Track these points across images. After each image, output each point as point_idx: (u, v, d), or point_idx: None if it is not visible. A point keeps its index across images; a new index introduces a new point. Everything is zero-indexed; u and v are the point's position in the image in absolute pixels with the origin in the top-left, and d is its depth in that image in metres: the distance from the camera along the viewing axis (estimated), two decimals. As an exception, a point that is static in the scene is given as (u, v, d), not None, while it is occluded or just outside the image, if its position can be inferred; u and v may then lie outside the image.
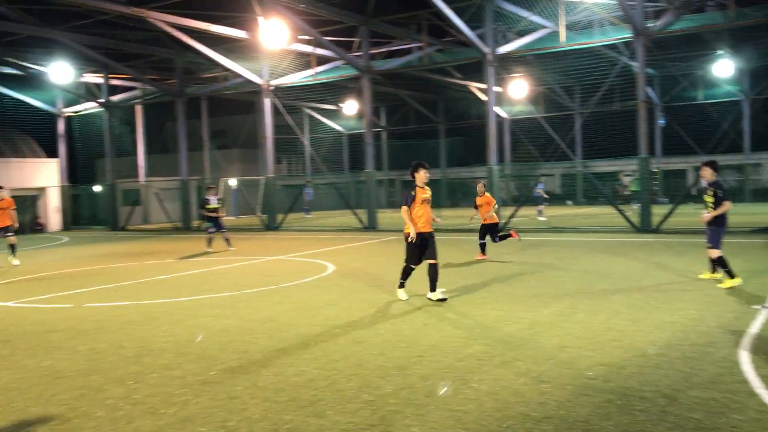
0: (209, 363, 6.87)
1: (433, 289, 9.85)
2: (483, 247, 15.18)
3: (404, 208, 9.78)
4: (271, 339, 7.83)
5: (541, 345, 7.15)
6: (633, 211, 22.53)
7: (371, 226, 24.75)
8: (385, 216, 30.05)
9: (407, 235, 9.78)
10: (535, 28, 23.48)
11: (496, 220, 15.50)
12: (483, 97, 33.36)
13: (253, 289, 11.78)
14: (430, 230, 9.94)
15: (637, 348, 6.89)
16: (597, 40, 22.44)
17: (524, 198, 28.02)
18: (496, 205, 15.57)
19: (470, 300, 9.93)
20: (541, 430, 4.84)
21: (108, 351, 7.55)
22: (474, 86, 35.24)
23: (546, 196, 28.30)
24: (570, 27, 22.49)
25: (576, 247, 17.00)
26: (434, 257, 9.87)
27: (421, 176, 9.94)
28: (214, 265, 15.89)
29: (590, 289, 10.50)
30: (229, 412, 5.38)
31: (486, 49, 22.46)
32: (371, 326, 8.33)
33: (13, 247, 17.77)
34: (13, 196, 31.66)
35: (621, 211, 21.27)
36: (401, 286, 10.21)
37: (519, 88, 32.16)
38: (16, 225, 17.92)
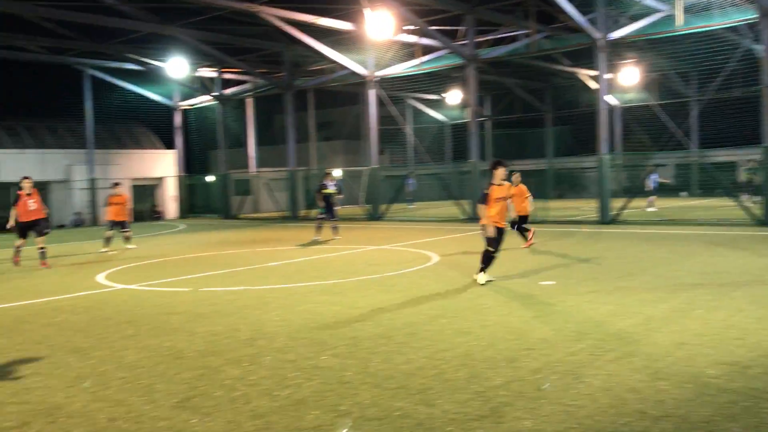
0: (320, 348, 7.03)
1: (481, 269, 10.66)
2: (524, 233, 15.69)
3: (480, 205, 10.60)
4: (379, 327, 7.92)
5: (657, 341, 6.87)
6: (754, 203, 21.22)
7: (475, 217, 24.54)
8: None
9: (483, 226, 10.60)
10: (649, 11, 22.46)
11: (528, 212, 15.84)
12: (593, 84, 32.34)
13: (359, 277, 11.95)
14: (504, 225, 10.73)
15: (764, 347, 6.50)
16: (717, 22, 21.20)
17: (636, 189, 26.96)
18: (530, 196, 15.88)
19: (580, 293, 9.66)
20: (659, 428, 4.65)
21: (224, 333, 7.87)
22: (583, 73, 34.21)
23: (666, 181, 27.07)
24: (687, 10, 21.37)
25: (692, 240, 16.20)
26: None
27: (499, 174, 10.57)
28: (321, 253, 16.25)
29: (708, 284, 9.98)
30: (340, 396, 5.49)
31: (597, 35, 21.72)
32: (478, 317, 8.27)
33: (127, 240, 19.16)
34: (133, 186, 33.64)
35: (741, 203, 20.06)
36: (482, 270, 10.68)
37: (631, 75, 30.95)
38: (131, 220, 19.26)
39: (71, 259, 17.03)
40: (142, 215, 36.27)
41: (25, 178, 15.95)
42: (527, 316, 8.23)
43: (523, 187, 15.65)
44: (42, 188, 32.96)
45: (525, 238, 15.60)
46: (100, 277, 13.20)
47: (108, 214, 19.18)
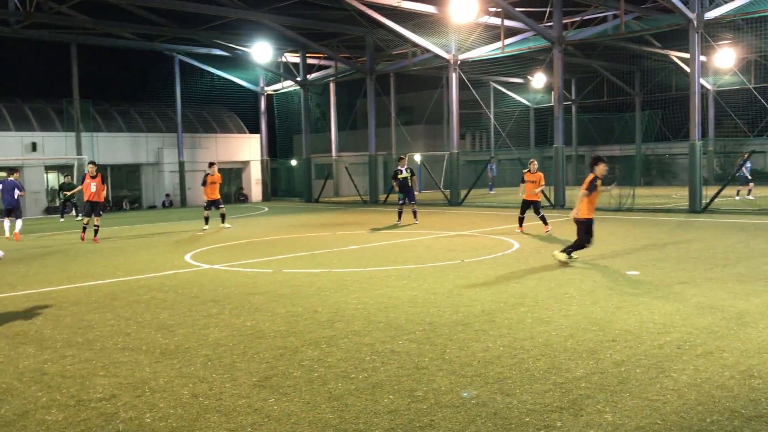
0: (397, 332, 7.03)
1: (567, 251, 11.13)
2: (521, 221, 16.64)
3: (585, 193, 10.87)
4: (457, 313, 7.85)
5: (750, 337, 6.52)
6: None
7: (558, 204, 24.01)
8: (573, 193, 28.99)
9: (581, 220, 10.99)
10: (748, -12, 21.23)
11: (539, 198, 16.61)
12: (685, 67, 30.97)
13: (437, 262, 11.89)
14: (592, 216, 11.11)
15: None
16: (825, -2, 19.84)
17: (729, 176, 25.71)
18: (543, 184, 16.65)
19: (668, 284, 9.29)
20: (752, 429, 4.41)
21: (304, 315, 7.99)
22: (675, 55, 32.80)
23: (749, 176, 25.75)
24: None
25: (792, 231, 15.30)
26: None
27: (601, 169, 10.94)
28: (400, 237, 16.26)
29: (810, 279, 9.40)
30: (416, 381, 5.47)
31: (691, 15, 20.72)
32: (560, 307, 8.07)
33: (223, 217, 20.05)
34: (220, 169, 34.63)
35: None
36: (567, 252, 11.12)
37: (727, 57, 29.43)
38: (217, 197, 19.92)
39: (162, 238, 17.70)
40: (228, 198, 37.32)
41: (91, 162, 18.21)
42: (611, 307, 7.98)
43: (540, 174, 16.39)
44: (134, 170, 34.53)
45: (521, 224, 16.74)
46: (188, 257, 13.65)
47: (204, 193, 19.90)
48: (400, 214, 19.82)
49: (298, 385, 5.48)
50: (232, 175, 37.98)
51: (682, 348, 6.21)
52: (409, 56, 30.66)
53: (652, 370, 5.61)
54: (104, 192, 18.16)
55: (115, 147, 33.02)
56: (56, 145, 31.13)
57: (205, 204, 20.01)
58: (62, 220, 25.90)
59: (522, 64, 33.71)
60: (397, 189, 19.83)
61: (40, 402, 5.24)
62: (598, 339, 6.59)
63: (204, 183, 19.84)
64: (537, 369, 5.72)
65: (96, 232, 17.41)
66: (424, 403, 5.00)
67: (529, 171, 16.39)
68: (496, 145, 42.84)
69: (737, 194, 25.53)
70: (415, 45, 28.00)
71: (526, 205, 16.36)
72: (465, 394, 5.13)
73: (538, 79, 36.66)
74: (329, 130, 39.16)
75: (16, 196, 18.57)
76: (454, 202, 27.64)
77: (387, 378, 5.58)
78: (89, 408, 5.09)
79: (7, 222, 18.98)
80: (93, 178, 17.18)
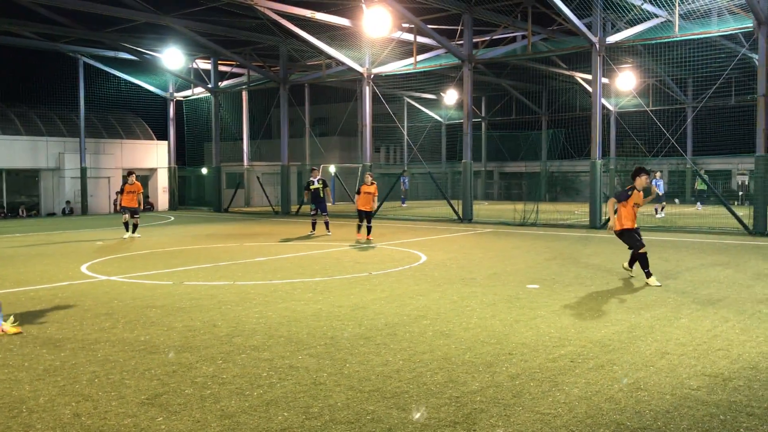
0: (297, 347, 6.91)
1: (646, 271, 10.69)
2: (360, 228, 18.06)
3: (613, 200, 10.91)
4: (360, 327, 7.80)
5: (640, 350, 6.77)
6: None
7: (467, 218, 24.46)
8: (481, 208, 29.66)
9: (619, 232, 10.91)
10: (647, 17, 22.39)
11: (373, 208, 18.20)
12: (589, 88, 32.28)
13: (345, 275, 11.83)
14: (635, 226, 10.93)
15: (747, 359, 6.40)
16: (714, 30, 21.14)
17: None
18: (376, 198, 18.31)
19: (566, 298, 9.56)
20: (635, 441, 4.55)
21: (201, 329, 7.74)
22: (579, 77, 34.15)
23: (660, 193, 26.96)
24: (685, 16, 21.30)
25: (683, 248, 16.13)
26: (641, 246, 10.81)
27: (641, 181, 10.82)
28: (309, 249, 16.12)
29: (696, 293, 9.89)
30: (313, 398, 5.37)
31: (594, 38, 21.63)
32: (460, 320, 8.16)
33: (135, 227, 19.67)
34: (124, 177, 33.52)
35: (734, 212, 20.01)
36: (648, 275, 10.63)
37: (627, 80, 30.89)
38: (141, 207, 19.83)
39: (58, 248, 16.86)
40: (132, 206, 36.01)
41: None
42: (510, 320, 8.12)
43: (374, 185, 18.04)
44: (33, 176, 32.86)
45: (368, 232, 17.92)
46: (84, 268, 13.04)
47: (123, 201, 19.70)
48: (313, 224, 20.00)
49: (189, 402, 5.28)
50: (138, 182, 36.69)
51: (576, 361, 6.37)
52: (324, 68, 30.64)
53: (546, 383, 5.73)
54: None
55: (12, 150, 31.33)
56: (-55, 146, 29.24)
57: (121, 210, 19.78)
58: None
59: (434, 80, 34.28)
60: (307, 200, 20.07)
61: None
62: (495, 352, 6.68)
63: (121, 191, 19.71)
64: (434, 383, 5.73)
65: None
66: (319, 420, 4.90)
67: (365, 183, 17.94)
68: (408, 159, 43.33)
69: (657, 212, 26.53)
70: (329, 57, 27.99)
71: (363, 214, 17.81)
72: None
73: (450, 96, 37.36)
74: (241, 139, 38.56)
75: None
76: (366, 214, 27.67)
77: (283, 394, 5.46)
78: None
79: None
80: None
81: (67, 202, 32.87)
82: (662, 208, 26.89)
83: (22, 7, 25.13)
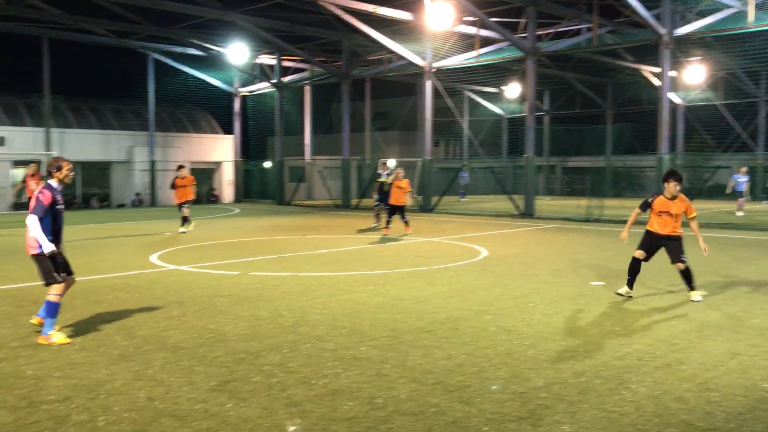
0: (360, 338, 7.00)
1: (692, 288, 9.13)
2: (389, 223, 18.15)
3: (636, 210, 9.45)
4: (421, 320, 7.84)
5: (709, 349, 6.60)
6: None
7: (528, 213, 24.17)
8: (543, 203, 29.29)
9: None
10: (718, 7, 21.64)
11: (406, 203, 18.22)
12: (656, 81, 31.44)
13: (405, 268, 11.89)
14: (665, 233, 9.13)
15: (825, 363, 6.17)
16: (792, 20, 20.25)
17: (696, 191, 26.08)
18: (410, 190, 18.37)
19: (635, 294, 9.37)
20: (705, 442, 4.46)
21: (267, 319, 7.92)
22: (647, 70, 33.25)
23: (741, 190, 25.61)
24: (759, 6, 20.48)
25: (754, 246, 15.58)
26: (675, 260, 9.09)
27: (670, 188, 8.97)
28: (369, 242, 16.24)
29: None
30: (377, 388, 5.44)
31: (662, 31, 21.04)
32: (523, 316, 8.11)
33: (186, 220, 18.92)
34: (192, 169, 34.22)
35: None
36: (692, 288, 9.09)
37: (696, 73, 29.92)
38: (193, 197, 19.44)
39: (129, 238, 17.45)
40: (199, 198, 36.93)
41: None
42: (573, 317, 8.03)
43: (407, 180, 18.11)
44: (104, 168, 34.06)
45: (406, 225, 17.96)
46: (154, 257, 13.47)
47: (176, 196, 19.14)
48: (377, 216, 20.19)
49: (256, 390, 5.42)
50: (204, 175, 37.65)
51: (642, 359, 6.26)
52: (385, 62, 30.71)
53: (612, 381, 5.65)
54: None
55: (86, 144, 32.53)
56: (24, 140, 30.58)
57: (178, 207, 19.24)
58: None
59: (496, 73, 33.92)
60: (375, 194, 20.44)
61: (-10, 403, 5.11)
62: (559, 349, 6.62)
63: (173, 186, 19.21)
64: (498, 378, 5.72)
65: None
66: (384, 411, 4.97)
67: (397, 178, 17.98)
68: (468, 154, 43.05)
69: (738, 209, 25.35)
70: (390, 51, 28.04)
71: (394, 209, 17.97)
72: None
73: (512, 89, 36.92)
74: (303, 134, 39.02)
75: None
76: (426, 208, 27.70)
77: (348, 384, 5.55)
78: (41, 410, 4.98)
79: None
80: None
81: (137, 194, 33.95)
82: (742, 205, 25.63)
83: (96, 5, 26.04)
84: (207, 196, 37.18)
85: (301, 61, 34.76)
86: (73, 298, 9.19)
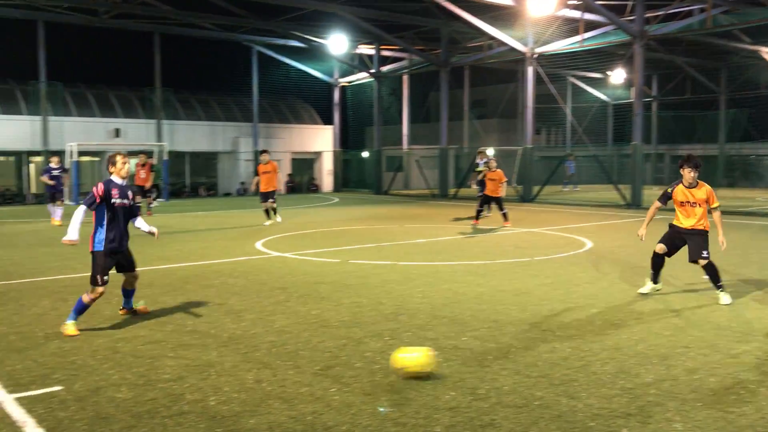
0: (461, 328, 6.96)
1: (717, 286, 8.23)
2: (479, 213, 17.80)
3: (656, 204, 8.64)
4: (524, 312, 7.71)
5: (838, 351, 6.14)
6: None
7: (635, 204, 23.28)
8: (651, 193, 28.13)
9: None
10: None
11: (502, 194, 17.55)
12: (776, 63, 29.48)
13: (506, 259, 11.72)
14: (689, 226, 8.41)
15: None
16: None
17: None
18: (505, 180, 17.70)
19: (746, 290, 8.86)
20: (836, 449, 4.15)
21: (368, 306, 8.00)
22: (766, 52, 31.24)
23: None
24: None
25: None
26: (695, 257, 8.31)
27: (685, 175, 8.26)
28: (469, 233, 16.11)
29: None
30: (479, 379, 5.39)
31: (785, 9, 19.69)
32: (631, 309, 7.82)
33: (274, 211, 18.17)
34: (293, 159, 35.01)
35: None
36: (720, 287, 8.18)
37: (823, 53, 27.85)
38: (281, 188, 18.66)
39: (235, 225, 18.08)
40: (300, 187, 37.88)
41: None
42: (685, 312, 7.67)
43: (500, 171, 17.35)
44: (211, 158, 35.45)
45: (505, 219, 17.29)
46: (259, 244, 13.90)
47: (261, 184, 18.03)
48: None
49: (359, 375, 5.49)
50: (305, 165, 38.52)
51: (761, 358, 5.91)
52: (485, 49, 30.30)
53: (728, 379, 5.37)
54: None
55: (194, 135, 33.93)
56: (138, 131, 32.23)
57: (260, 197, 18.17)
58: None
59: (601, 58, 32.82)
60: (472, 183, 19.95)
61: (111, 379, 5.42)
62: (670, 344, 6.34)
63: (256, 173, 18.34)
64: (604, 372, 5.55)
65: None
66: (486, 402, 4.92)
67: (490, 170, 17.47)
68: (572, 142, 41.93)
69: None
70: (491, 38, 27.64)
71: (487, 200, 17.60)
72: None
73: (618, 75, 35.61)
74: (401, 123, 39.15)
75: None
76: (527, 198, 27.21)
77: (449, 374, 5.52)
78: (157, 388, 5.23)
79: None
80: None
81: (242, 183, 35.12)
82: None
83: (203, 0, 27.06)
84: (308, 186, 38.01)
85: (399, 50, 34.83)
86: (184, 282, 9.63)
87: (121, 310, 7.60)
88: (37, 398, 5.01)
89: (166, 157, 30.99)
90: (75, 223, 6.88)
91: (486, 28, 26.35)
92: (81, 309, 6.93)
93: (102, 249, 6.95)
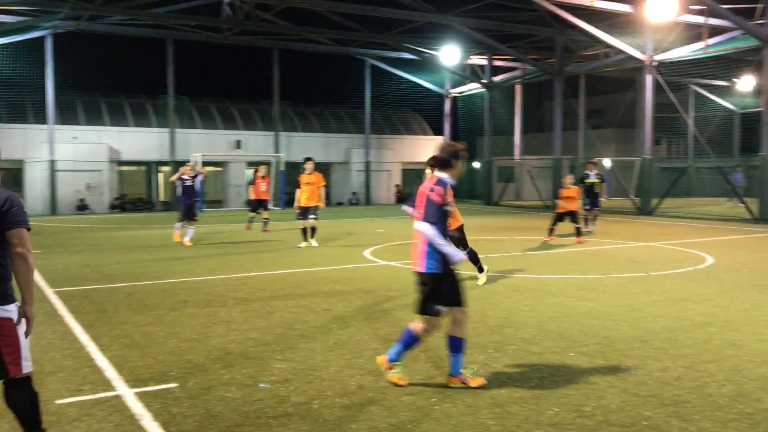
0: (568, 343, 6.78)
1: None
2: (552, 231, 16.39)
3: None
4: (636, 329, 7.41)
5: None
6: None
7: (763, 219, 21.84)
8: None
9: None
10: None
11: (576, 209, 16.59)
12: None
13: (620, 274, 11.31)
14: None
15: None
16: None
17: None
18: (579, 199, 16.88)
19: None
20: None
21: (473, 318, 7.88)
22: None
23: None
24: None
25: None
26: None
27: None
28: (582, 246, 15.67)
29: None
30: (585, 396, 5.24)
31: None
32: (754, 330, 7.34)
33: (313, 231, 15.40)
34: (403, 170, 35.24)
35: None
36: None
37: None
38: (323, 205, 15.62)
39: (345, 234, 18.46)
40: (410, 197, 38.11)
41: (262, 165, 19.68)
42: (817, 335, 7.12)
43: (576, 188, 16.63)
44: (325, 169, 36.36)
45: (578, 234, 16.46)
46: (367, 252, 14.12)
47: (299, 197, 15.31)
48: (585, 219, 18.92)
49: (461, 387, 5.46)
50: (416, 176, 38.76)
51: None
52: (601, 57, 29.43)
53: None
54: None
55: (309, 146, 34.94)
56: (257, 143, 33.61)
57: (298, 212, 15.56)
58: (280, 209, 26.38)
59: (726, 65, 31.10)
60: (582, 195, 19.05)
61: (223, 379, 5.68)
62: (798, 369, 5.91)
63: (300, 184, 15.56)
64: (721, 395, 5.24)
65: (266, 223, 19.38)
66: (592, 420, 4.77)
67: (564, 186, 16.69)
68: (694, 152, 39.96)
69: None
70: (607, 46, 26.83)
71: (561, 216, 16.44)
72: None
73: (746, 82, 33.62)
74: (513, 133, 38.66)
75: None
76: (645, 210, 26.12)
77: (554, 390, 5.40)
78: (264, 389, 5.42)
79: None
80: (263, 178, 19.54)
81: (353, 193, 35.83)
82: None
83: (320, 16, 27.94)
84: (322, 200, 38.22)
85: (512, 59, 34.47)
86: (294, 288, 9.94)
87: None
88: (154, 394, 5.33)
89: (282, 167, 32.10)
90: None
91: (602, 36, 25.62)
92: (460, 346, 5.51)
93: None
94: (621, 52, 26.58)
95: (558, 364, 6.09)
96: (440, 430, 4.60)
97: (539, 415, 4.86)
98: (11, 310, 3.90)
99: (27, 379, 4.01)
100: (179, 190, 16.49)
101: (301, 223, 15.36)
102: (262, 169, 19.89)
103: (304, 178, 15.30)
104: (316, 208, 15.32)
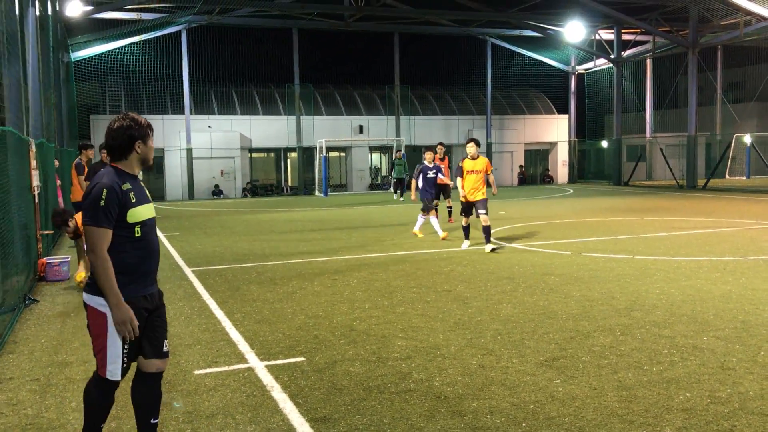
0: (702, 327, 6.45)
1: None
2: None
3: None
4: (779, 313, 6.93)
5: None
6: None
7: None
8: None
9: None
10: None
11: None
12: None
13: (761, 256, 10.58)
14: None
15: None
16: None
17: None
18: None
19: None
20: None
21: (599, 300, 7.72)
22: None
23: None
24: None
25: None
26: None
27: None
28: (719, 227, 14.79)
29: None
30: (719, 382, 4.97)
31: None
32: None
33: (486, 233, 11.80)
34: (526, 150, 34.72)
35: None
36: None
37: None
38: (495, 191, 12.79)
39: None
40: (533, 179, 37.44)
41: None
42: None
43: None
44: (446, 152, 36.31)
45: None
46: (488, 235, 13.98)
47: (466, 189, 12.05)
48: None
49: (586, 369, 5.34)
50: (539, 156, 37.94)
51: None
52: (741, 26, 27.44)
53: None
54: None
55: (430, 129, 35.03)
56: (379, 127, 34.05)
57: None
58: (401, 199, 26.31)
59: None
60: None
61: (347, 355, 5.85)
62: None
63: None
64: None
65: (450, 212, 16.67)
66: (727, 406, 4.53)
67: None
68: None
69: None
70: (748, 13, 24.96)
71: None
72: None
73: None
74: (644, 110, 36.91)
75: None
76: (790, 189, 24.25)
77: (685, 374, 5.16)
78: (387, 365, 5.54)
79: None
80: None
81: (475, 175, 35.55)
82: None
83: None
84: (541, 177, 37.40)
85: (641, 32, 32.84)
86: (416, 269, 10.05)
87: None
88: (283, 367, 5.58)
89: (403, 150, 32.39)
90: None
91: (742, 2, 23.85)
92: None
93: None
94: (763, 18, 24.64)
95: (690, 348, 5.81)
96: (564, 412, 4.52)
97: (669, 399, 4.67)
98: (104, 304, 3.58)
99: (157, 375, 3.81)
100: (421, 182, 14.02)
101: (464, 221, 12.27)
102: (440, 150, 16.26)
103: (467, 165, 12.03)
104: (484, 201, 11.87)
